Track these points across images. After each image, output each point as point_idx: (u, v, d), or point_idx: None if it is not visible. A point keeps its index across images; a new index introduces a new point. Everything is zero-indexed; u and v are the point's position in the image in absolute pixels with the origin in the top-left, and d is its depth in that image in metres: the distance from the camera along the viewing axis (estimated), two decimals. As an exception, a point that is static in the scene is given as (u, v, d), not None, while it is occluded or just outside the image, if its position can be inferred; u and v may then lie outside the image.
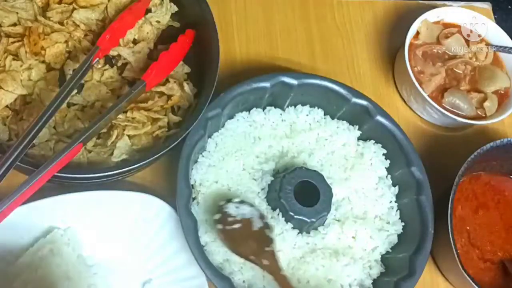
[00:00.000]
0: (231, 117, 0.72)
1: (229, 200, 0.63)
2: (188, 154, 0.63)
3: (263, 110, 0.73)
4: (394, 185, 0.71)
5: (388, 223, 0.69)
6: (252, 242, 0.61)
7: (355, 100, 0.72)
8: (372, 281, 0.66)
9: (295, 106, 0.73)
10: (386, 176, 0.72)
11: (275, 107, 0.73)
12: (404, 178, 0.70)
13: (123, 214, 0.64)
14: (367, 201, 0.69)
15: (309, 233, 0.65)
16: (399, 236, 0.69)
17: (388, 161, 0.72)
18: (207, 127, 0.66)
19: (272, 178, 0.67)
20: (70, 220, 0.63)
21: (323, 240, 0.65)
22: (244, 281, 0.62)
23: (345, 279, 0.64)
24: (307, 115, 0.73)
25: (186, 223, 0.60)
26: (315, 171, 0.66)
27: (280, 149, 0.70)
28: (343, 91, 0.72)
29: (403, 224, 0.69)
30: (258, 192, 0.67)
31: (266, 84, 0.70)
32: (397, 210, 0.70)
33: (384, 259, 0.68)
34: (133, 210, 0.64)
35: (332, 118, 0.74)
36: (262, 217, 0.63)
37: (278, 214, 0.64)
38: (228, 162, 0.68)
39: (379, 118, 0.72)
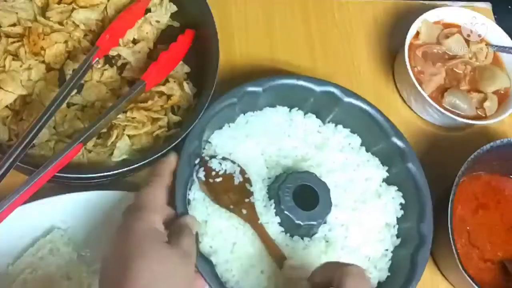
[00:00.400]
0: (271, 105, 0.72)
1: (213, 156, 0.65)
2: (183, 194, 0.63)
3: (304, 114, 0.73)
4: (398, 236, 0.69)
5: (375, 267, 0.66)
6: (233, 195, 0.64)
7: (394, 139, 0.71)
8: None
9: (335, 124, 0.73)
10: (394, 226, 0.69)
11: (316, 117, 0.73)
12: (410, 233, 0.68)
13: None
14: (364, 239, 0.67)
15: (292, 237, 0.65)
16: (378, 284, 0.67)
17: (402, 212, 0.70)
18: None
19: (282, 172, 0.67)
20: (70, 220, 0.63)
21: (302, 251, 0.64)
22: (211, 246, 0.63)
23: None
24: (344, 137, 0.73)
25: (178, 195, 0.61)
26: (324, 182, 0.66)
27: (304, 154, 0.70)
28: (387, 125, 0.72)
29: (388, 274, 0.67)
30: (264, 179, 0.67)
31: (315, 88, 0.71)
32: (389, 260, 0.67)
33: None
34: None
35: (367, 150, 0.73)
36: (243, 172, 0.65)
37: (271, 205, 0.64)
38: (250, 142, 0.68)
39: (410, 165, 0.70)
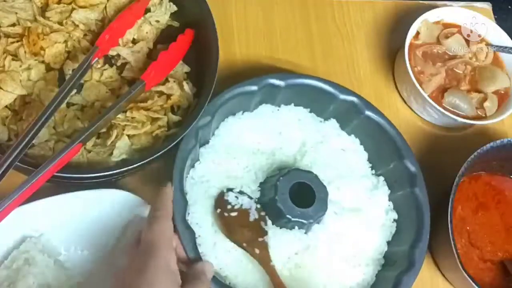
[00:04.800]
0: (289, 102, 0.72)
1: (230, 189, 0.65)
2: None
3: (325, 121, 0.73)
4: (389, 257, 0.68)
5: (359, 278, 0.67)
6: (247, 231, 0.63)
7: (406, 162, 0.70)
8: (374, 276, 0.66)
9: (350, 135, 0.74)
10: (385, 245, 0.69)
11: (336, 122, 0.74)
12: (401, 256, 0.67)
13: (95, 213, 0.63)
14: (353, 249, 0.67)
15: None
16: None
17: (395, 230, 0.70)
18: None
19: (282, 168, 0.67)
20: (41, 227, 0.62)
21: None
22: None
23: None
24: (355, 150, 0.73)
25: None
26: (324, 186, 0.66)
27: (311, 158, 0.70)
28: (403, 147, 0.71)
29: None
30: (262, 171, 0.68)
31: (338, 95, 0.71)
32: (374, 277, 0.67)
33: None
34: (104, 207, 0.63)
35: (377, 167, 0.73)
36: (259, 210, 0.64)
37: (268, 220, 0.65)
38: (258, 134, 0.69)
39: (417, 190, 0.69)
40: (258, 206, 0.65)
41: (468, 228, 0.73)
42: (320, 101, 0.73)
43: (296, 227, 0.64)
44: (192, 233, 0.59)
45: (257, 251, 0.62)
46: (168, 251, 0.53)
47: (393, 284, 0.63)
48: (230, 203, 0.64)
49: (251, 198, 0.65)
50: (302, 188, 0.65)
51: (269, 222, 0.65)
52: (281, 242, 0.64)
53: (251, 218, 0.64)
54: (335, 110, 0.73)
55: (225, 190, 0.65)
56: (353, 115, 0.72)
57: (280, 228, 0.65)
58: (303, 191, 0.64)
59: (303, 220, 0.63)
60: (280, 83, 0.70)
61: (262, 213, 0.64)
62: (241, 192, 0.65)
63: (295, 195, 0.64)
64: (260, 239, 0.63)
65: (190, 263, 0.57)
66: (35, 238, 0.62)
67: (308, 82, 0.71)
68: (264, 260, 0.62)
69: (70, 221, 0.63)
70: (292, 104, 0.73)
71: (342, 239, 0.66)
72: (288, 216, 0.62)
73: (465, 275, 0.64)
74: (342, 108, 0.72)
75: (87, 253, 0.63)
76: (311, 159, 0.70)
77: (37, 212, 0.61)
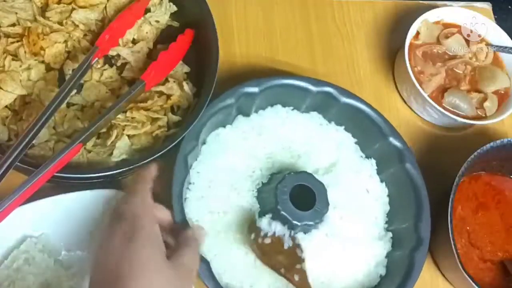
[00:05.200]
0: (268, 106, 0.72)
1: (263, 215, 0.64)
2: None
3: (302, 113, 0.73)
4: (394, 236, 0.69)
5: (372, 265, 0.67)
6: (283, 258, 0.61)
7: (391, 139, 0.71)
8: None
9: (330, 123, 0.74)
10: (386, 223, 0.70)
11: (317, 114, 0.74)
12: (408, 233, 0.68)
13: (95, 213, 0.63)
14: (360, 236, 0.68)
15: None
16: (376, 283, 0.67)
17: (388, 207, 0.72)
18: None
19: (277, 171, 0.67)
20: (41, 226, 0.62)
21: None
22: None
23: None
24: (339, 137, 0.74)
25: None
26: (321, 182, 0.65)
27: (300, 153, 0.70)
28: (384, 125, 0.72)
29: (384, 273, 0.67)
30: (258, 178, 0.67)
31: (312, 88, 0.71)
32: (385, 258, 0.68)
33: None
34: (104, 207, 0.63)
35: (363, 150, 0.74)
36: (292, 237, 0.63)
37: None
38: (247, 143, 0.68)
39: (408, 165, 0.70)
40: (292, 233, 0.63)
41: (468, 228, 0.73)
42: (295, 98, 0.73)
43: (301, 231, 0.64)
44: (180, 197, 0.59)
45: (296, 278, 0.60)
46: (151, 220, 0.52)
47: (407, 263, 0.64)
48: (262, 230, 0.62)
49: (284, 224, 0.63)
50: (300, 189, 0.64)
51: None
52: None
53: (285, 246, 0.62)
54: (311, 103, 0.73)
55: (256, 216, 0.64)
56: (330, 105, 0.72)
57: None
58: (301, 192, 0.64)
59: (310, 222, 0.63)
60: (255, 89, 0.69)
61: (297, 241, 0.63)
62: (272, 218, 0.63)
63: (295, 198, 0.63)
64: (297, 266, 0.61)
65: (178, 230, 0.56)
66: (35, 238, 0.62)
67: (281, 82, 0.71)
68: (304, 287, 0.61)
69: (70, 221, 0.63)
70: (269, 107, 0.73)
71: (344, 229, 0.67)
72: (294, 222, 0.62)
73: (465, 275, 0.64)
74: (318, 100, 0.72)
75: (87, 253, 0.63)
76: (303, 159, 0.70)
77: (37, 212, 0.61)
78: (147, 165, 0.59)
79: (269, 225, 0.63)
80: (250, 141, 0.69)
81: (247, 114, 0.72)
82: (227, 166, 0.67)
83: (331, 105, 0.72)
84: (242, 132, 0.70)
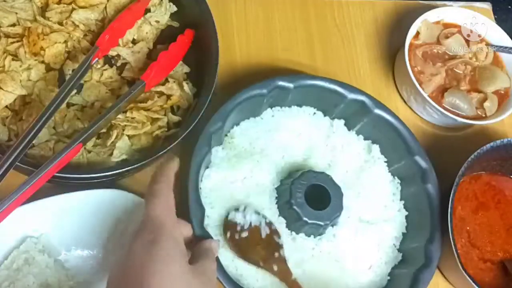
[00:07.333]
0: (299, 104, 0.72)
1: (236, 209, 0.63)
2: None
3: (332, 119, 0.73)
4: (403, 254, 0.69)
5: (377, 275, 0.67)
6: (261, 249, 0.61)
7: (417, 158, 0.70)
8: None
9: (359, 134, 0.74)
10: (399, 240, 0.70)
11: (344, 124, 0.73)
12: (417, 253, 0.67)
13: (95, 213, 0.63)
14: (369, 247, 0.67)
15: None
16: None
17: (405, 225, 0.71)
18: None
19: (296, 170, 0.67)
20: (41, 227, 0.62)
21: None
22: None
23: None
24: (364, 147, 0.73)
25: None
26: (338, 186, 0.65)
27: (322, 157, 0.70)
28: (412, 143, 0.71)
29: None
30: (278, 173, 0.67)
31: (347, 94, 0.71)
32: (390, 271, 0.67)
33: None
34: (104, 207, 0.63)
35: (388, 165, 0.73)
36: (269, 223, 0.63)
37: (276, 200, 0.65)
38: (271, 137, 0.68)
39: (429, 186, 0.69)
40: (267, 220, 0.63)
41: (468, 228, 0.73)
42: (328, 101, 0.72)
43: (311, 232, 0.64)
44: (201, 209, 0.59)
45: (275, 267, 0.61)
46: (174, 225, 0.51)
47: (410, 281, 0.63)
48: (238, 224, 0.62)
49: (258, 213, 0.63)
50: (317, 190, 0.64)
51: (285, 231, 0.64)
52: (294, 249, 0.64)
53: (263, 235, 0.62)
54: (343, 109, 0.73)
55: (233, 213, 0.63)
56: (362, 114, 0.72)
57: (297, 233, 0.64)
58: (317, 193, 0.64)
59: (319, 222, 0.63)
60: (289, 85, 0.69)
61: (273, 227, 0.63)
62: (246, 209, 0.63)
63: (310, 197, 0.63)
64: (276, 254, 0.61)
65: (196, 241, 0.56)
66: (35, 238, 0.62)
67: (316, 83, 0.71)
68: (284, 276, 0.61)
69: (70, 221, 0.63)
70: (298, 105, 0.73)
71: (356, 238, 0.67)
72: (304, 218, 0.62)
73: (465, 275, 0.64)
74: (350, 107, 0.72)
75: (87, 253, 0.63)
76: (325, 161, 0.70)
77: (37, 212, 0.61)
78: (167, 159, 0.57)
79: (243, 217, 0.62)
80: (274, 134, 0.69)
81: (277, 108, 0.72)
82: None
83: (364, 115, 0.72)
84: (268, 125, 0.70)
